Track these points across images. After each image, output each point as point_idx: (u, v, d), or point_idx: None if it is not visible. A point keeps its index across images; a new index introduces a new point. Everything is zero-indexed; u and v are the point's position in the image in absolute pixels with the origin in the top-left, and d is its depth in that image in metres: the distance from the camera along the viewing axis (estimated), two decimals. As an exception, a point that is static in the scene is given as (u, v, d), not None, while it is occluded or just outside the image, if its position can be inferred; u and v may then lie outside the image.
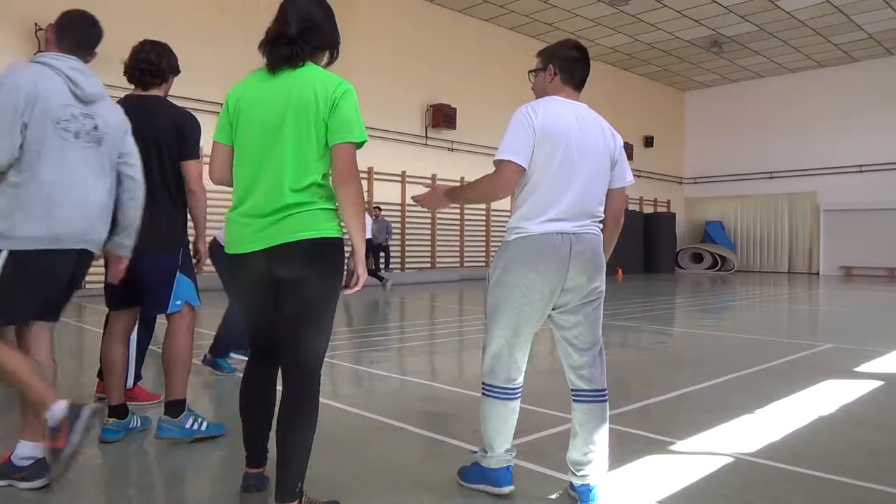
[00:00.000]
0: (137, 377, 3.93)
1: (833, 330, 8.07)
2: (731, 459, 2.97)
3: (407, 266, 16.08)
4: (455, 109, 16.58)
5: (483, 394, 2.55)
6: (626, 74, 22.34)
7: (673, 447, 3.14)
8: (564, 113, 2.46)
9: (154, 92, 3.35)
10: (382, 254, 15.00)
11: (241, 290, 2.35)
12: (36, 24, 10.67)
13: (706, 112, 24.54)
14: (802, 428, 3.51)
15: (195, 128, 3.28)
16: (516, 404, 2.53)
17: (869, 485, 2.68)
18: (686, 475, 2.76)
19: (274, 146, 2.15)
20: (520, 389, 2.55)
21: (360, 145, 2.20)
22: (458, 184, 3.16)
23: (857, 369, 5.18)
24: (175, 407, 3.14)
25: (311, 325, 2.21)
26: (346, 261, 2.26)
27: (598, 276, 2.52)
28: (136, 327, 3.58)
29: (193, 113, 3.48)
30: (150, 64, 3.36)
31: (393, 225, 15.37)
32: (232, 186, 2.28)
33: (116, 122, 2.77)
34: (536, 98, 2.56)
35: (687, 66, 21.85)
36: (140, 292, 3.17)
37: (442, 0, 16.51)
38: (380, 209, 15.09)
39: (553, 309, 2.51)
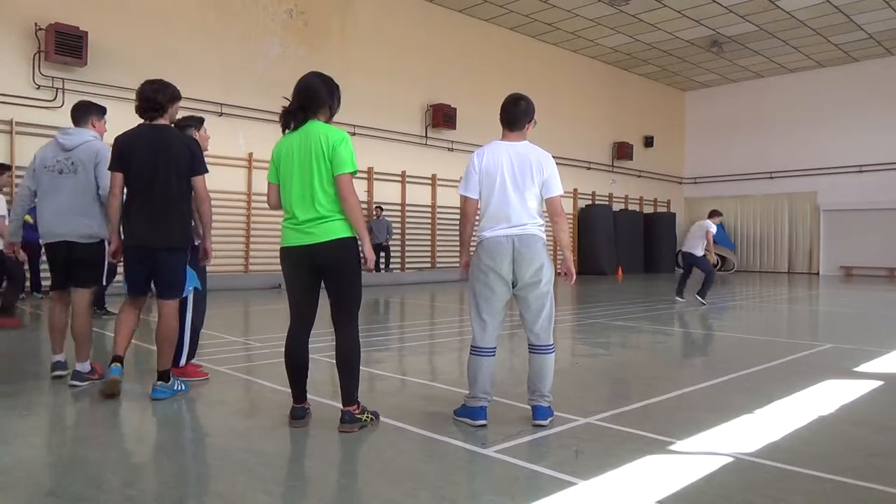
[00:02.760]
0: (191, 356, 4.53)
1: (833, 330, 8.07)
2: (731, 459, 2.97)
3: (407, 266, 16.08)
4: (455, 109, 16.57)
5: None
6: (626, 74, 22.33)
7: (673, 447, 3.14)
8: (500, 153, 3.51)
9: (160, 121, 4.06)
10: (383, 254, 15.00)
11: (289, 273, 3.44)
12: (36, 24, 10.67)
13: (706, 112, 24.53)
14: (802, 428, 3.51)
15: (200, 149, 4.16)
16: (484, 361, 3.50)
17: (869, 485, 2.68)
18: (686, 475, 2.76)
19: (305, 178, 3.32)
20: (487, 351, 3.51)
21: (353, 174, 3.33)
22: (458, 184, 3.83)
23: (857, 369, 5.18)
24: (165, 375, 3.99)
25: (347, 290, 3.40)
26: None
27: (534, 264, 3.42)
28: (191, 312, 4.41)
29: (193, 113, 3.62)
30: (152, 102, 4.03)
31: (393, 225, 15.36)
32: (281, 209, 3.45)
33: (88, 158, 4.34)
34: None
35: (687, 66, 21.85)
36: (154, 282, 4.10)
37: (442, 0, 16.50)
38: (381, 209, 15.09)
39: (513, 288, 3.49)
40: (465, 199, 3.59)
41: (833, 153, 21.47)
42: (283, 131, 3.42)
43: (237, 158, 13.06)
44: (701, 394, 4.33)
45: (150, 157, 3.91)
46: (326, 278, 3.38)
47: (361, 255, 3.42)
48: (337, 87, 3.44)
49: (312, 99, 3.35)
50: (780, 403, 4.02)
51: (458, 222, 17.25)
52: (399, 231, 15.86)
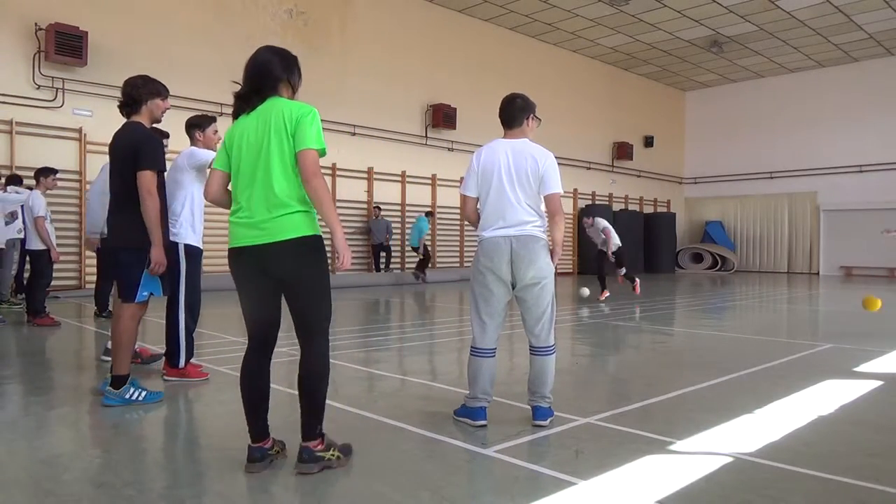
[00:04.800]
0: (189, 356, 4.51)
1: (833, 330, 8.07)
2: (731, 459, 2.97)
3: (407, 266, 16.07)
4: (455, 109, 16.57)
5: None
6: (626, 74, 22.33)
7: (673, 447, 3.14)
8: (498, 150, 3.49)
9: (136, 118, 3.98)
10: (383, 253, 15.00)
11: (241, 281, 2.83)
12: (36, 24, 10.67)
13: (706, 112, 24.53)
14: (802, 428, 3.51)
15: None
16: (484, 362, 3.47)
17: (869, 485, 2.68)
18: (686, 475, 2.76)
19: (262, 161, 2.71)
20: (486, 351, 3.48)
21: (321, 153, 2.70)
22: (458, 184, 3.69)
23: (857, 369, 5.18)
24: (118, 381, 3.83)
25: (311, 302, 2.78)
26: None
27: (532, 265, 3.38)
28: (183, 315, 4.35)
29: (193, 113, 3.61)
30: (126, 97, 3.97)
31: (393, 225, 15.36)
32: (225, 205, 2.89)
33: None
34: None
35: (687, 66, 21.85)
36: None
37: (442, 0, 16.50)
38: (380, 209, 15.09)
39: (513, 289, 3.46)
40: (464, 199, 3.60)
41: (833, 153, 21.47)
42: (236, 116, 2.88)
43: (237, 158, 13.04)
44: (701, 394, 4.33)
45: (110, 156, 4.01)
46: (286, 287, 2.77)
47: (331, 256, 2.86)
48: (294, 59, 2.92)
49: (266, 77, 2.81)
50: (780, 403, 4.02)
51: (458, 222, 17.39)
52: (399, 231, 15.85)
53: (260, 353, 2.84)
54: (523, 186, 3.42)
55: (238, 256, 2.77)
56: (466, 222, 3.78)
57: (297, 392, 2.79)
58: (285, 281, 2.73)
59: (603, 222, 11.31)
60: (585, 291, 11.43)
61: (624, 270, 11.35)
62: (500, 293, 3.45)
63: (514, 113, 3.56)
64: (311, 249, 2.72)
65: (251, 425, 2.81)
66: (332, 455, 2.79)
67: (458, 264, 17.23)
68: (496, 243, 3.41)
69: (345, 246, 2.70)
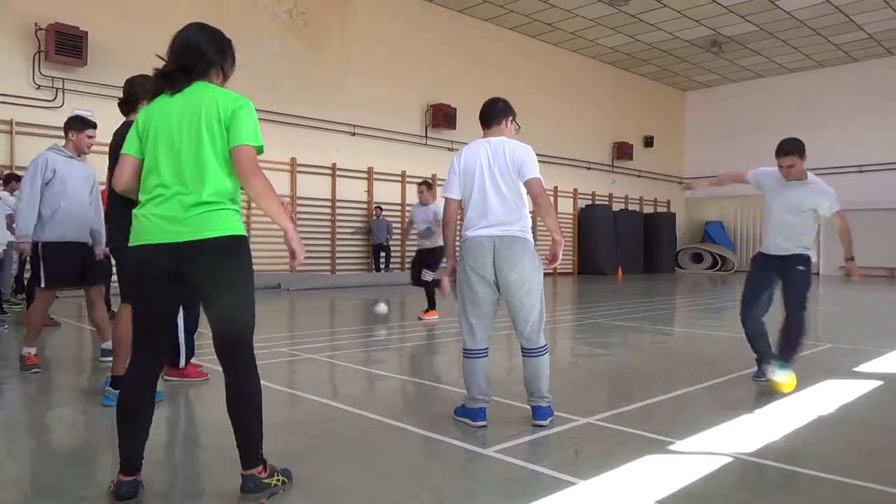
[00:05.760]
0: (190, 356, 4.53)
1: (833, 330, 8.06)
2: (731, 459, 2.97)
3: (407, 266, 16.06)
4: (455, 109, 16.57)
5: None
6: (626, 74, 22.33)
7: (673, 447, 3.14)
8: (478, 149, 3.50)
9: (133, 116, 3.98)
10: (383, 253, 15.01)
11: (142, 283, 2.48)
12: (36, 24, 10.67)
13: (706, 112, 24.52)
14: (802, 428, 3.51)
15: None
16: (477, 363, 3.45)
17: (869, 485, 2.68)
18: (686, 475, 2.76)
19: (190, 151, 2.40)
20: (478, 352, 3.46)
21: (258, 151, 2.44)
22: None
23: (856, 369, 5.18)
24: (118, 381, 3.65)
25: (234, 309, 2.46)
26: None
27: (515, 269, 3.35)
28: (183, 314, 4.23)
29: None
30: (126, 95, 4.04)
31: (393, 225, 15.36)
32: (136, 195, 2.55)
33: None
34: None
35: (687, 66, 21.85)
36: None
37: (442, 0, 16.50)
38: (381, 209, 15.09)
39: (498, 290, 3.43)
40: (446, 202, 3.59)
41: (833, 153, 21.46)
42: (156, 95, 2.56)
43: (237, 158, 13.05)
44: (701, 394, 4.33)
45: (110, 155, 3.92)
46: (204, 294, 2.43)
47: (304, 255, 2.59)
48: (229, 42, 2.61)
49: (198, 58, 2.50)
50: (780, 403, 4.02)
51: (457, 222, 17.39)
52: (399, 231, 15.85)
53: (149, 365, 2.51)
54: (504, 178, 3.41)
55: (147, 255, 2.40)
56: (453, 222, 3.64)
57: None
58: (204, 283, 2.41)
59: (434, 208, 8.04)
60: (382, 308, 8.06)
61: (430, 276, 8.15)
62: (486, 294, 3.44)
63: (495, 112, 3.60)
64: (236, 250, 2.44)
65: (125, 450, 2.42)
66: (278, 481, 2.50)
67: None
68: (480, 243, 3.39)
69: (299, 242, 2.49)
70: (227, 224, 2.41)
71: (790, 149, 4.44)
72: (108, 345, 4.80)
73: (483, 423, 3.42)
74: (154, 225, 2.38)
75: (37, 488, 2.59)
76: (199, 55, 2.50)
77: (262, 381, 2.51)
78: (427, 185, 8.35)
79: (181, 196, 2.37)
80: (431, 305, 8.31)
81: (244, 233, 2.50)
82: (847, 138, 21.10)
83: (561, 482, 2.66)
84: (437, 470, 2.85)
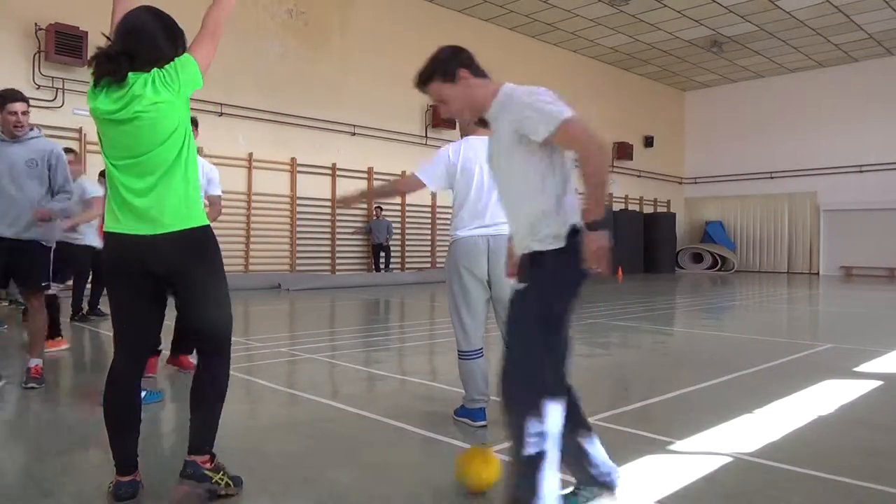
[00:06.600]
0: (188, 352, 4.56)
1: (833, 330, 8.06)
2: (731, 459, 2.97)
3: (407, 266, 16.08)
4: (455, 109, 16.54)
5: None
6: (626, 74, 22.33)
7: (673, 447, 3.14)
8: (477, 147, 3.34)
9: None
10: (383, 253, 15.01)
11: (117, 277, 2.45)
12: (36, 24, 10.67)
13: (706, 112, 24.52)
14: (802, 428, 3.51)
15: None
16: (474, 364, 3.42)
17: (869, 485, 2.68)
18: (686, 475, 2.76)
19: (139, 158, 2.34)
20: (473, 353, 3.43)
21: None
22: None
23: (857, 369, 5.18)
24: None
25: (210, 304, 2.46)
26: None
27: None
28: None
29: (192, 113, 3.61)
30: None
31: (393, 225, 15.36)
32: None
33: None
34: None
35: (687, 66, 21.84)
36: None
37: (442, 0, 16.50)
38: (381, 209, 15.09)
39: (490, 292, 3.43)
40: (417, 182, 3.53)
41: (833, 153, 21.46)
42: (96, 84, 2.30)
43: (237, 158, 13.05)
44: (701, 394, 4.33)
45: None
46: (177, 288, 2.42)
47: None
48: (181, 32, 2.45)
49: (145, 44, 2.31)
50: (780, 403, 4.02)
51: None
52: (399, 231, 15.86)
53: (131, 364, 2.47)
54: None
55: (119, 247, 2.36)
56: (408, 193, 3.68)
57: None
58: (178, 276, 2.37)
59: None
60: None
61: None
62: (479, 293, 3.44)
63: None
64: (202, 241, 2.39)
65: (118, 451, 2.40)
66: (221, 479, 2.42)
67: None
68: (473, 242, 3.38)
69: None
70: (197, 215, 2.41)
71: None
72: (35, 363, 4.23)
73: (483, 422, 3.42)
74: (125, 215, 2.40)
75: (37, 488, 2.59)
76: (149, 43, 2.31)
77: (263, 382, 2.51)
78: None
79: (144, 189, 2.40)
80: None
81: (208, 222, 2.45)
82: (847, 138, 21.09)
83: (561, 482, 2.65)
84: (437, 470, 2.85)
